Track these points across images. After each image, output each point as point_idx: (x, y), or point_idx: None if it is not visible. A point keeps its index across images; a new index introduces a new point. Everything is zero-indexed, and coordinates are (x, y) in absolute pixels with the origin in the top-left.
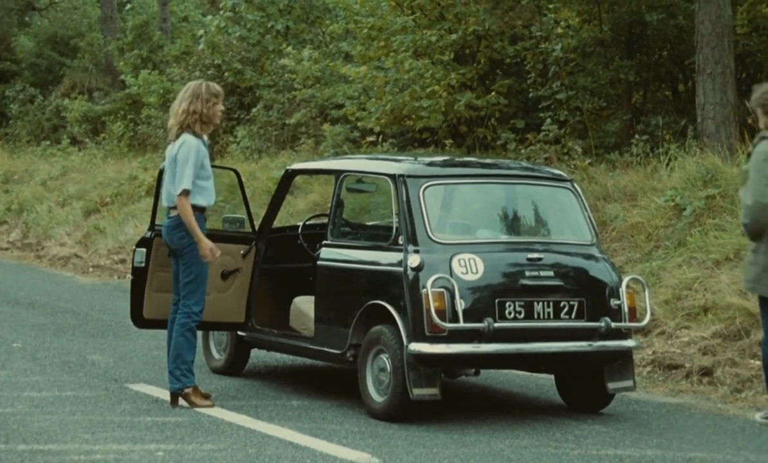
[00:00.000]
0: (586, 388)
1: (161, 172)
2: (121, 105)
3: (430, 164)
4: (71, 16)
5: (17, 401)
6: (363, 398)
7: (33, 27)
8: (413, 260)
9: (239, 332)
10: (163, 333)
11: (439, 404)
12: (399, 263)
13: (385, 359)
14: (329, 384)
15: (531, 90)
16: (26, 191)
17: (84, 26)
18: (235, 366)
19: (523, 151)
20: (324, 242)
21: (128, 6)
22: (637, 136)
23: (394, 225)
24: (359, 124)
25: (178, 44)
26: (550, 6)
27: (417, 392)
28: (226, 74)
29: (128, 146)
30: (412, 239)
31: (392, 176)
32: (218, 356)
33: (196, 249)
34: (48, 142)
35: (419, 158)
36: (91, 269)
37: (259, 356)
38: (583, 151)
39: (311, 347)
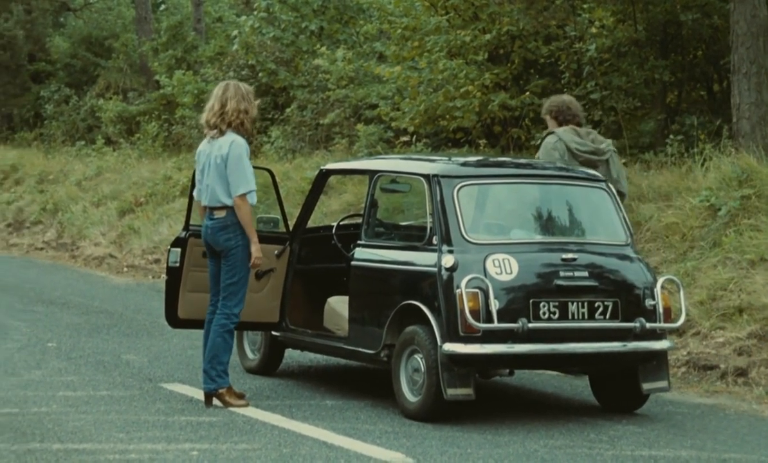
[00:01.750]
0: (621, 388)
1: (195, 174)
2: (156, 105)
3: (464, 164)
4: (106, 17)
5: (52, 401)
6: (397, 398)
7: (68, 28)
8: (447, 260)
9: (273, 332)
10: (197, 333)
11: (473, 404)
12: (433, 263)
13: (419, 359)
14: (363, 384)
15: (565, 90)
16: (61, 191)
17: (119, 27)
18: (269, 366)
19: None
20: (358, 242)
21: (162, 6)
22: (671, 136)
23: (428, 225)
24: (393, 124)
25: (212, 45)
26: (585, 6)
27: (451, 392)
28: (260, 75)
29: (162, 146)
30: (446, 239)
31: (426, 176)
32: (252, 356)
33: (242, 251)
34: (83, 143)
35: (453, 158)
36: (125, 269)
37: (292, 356)
38: (617, 151)
39: (345, 347)
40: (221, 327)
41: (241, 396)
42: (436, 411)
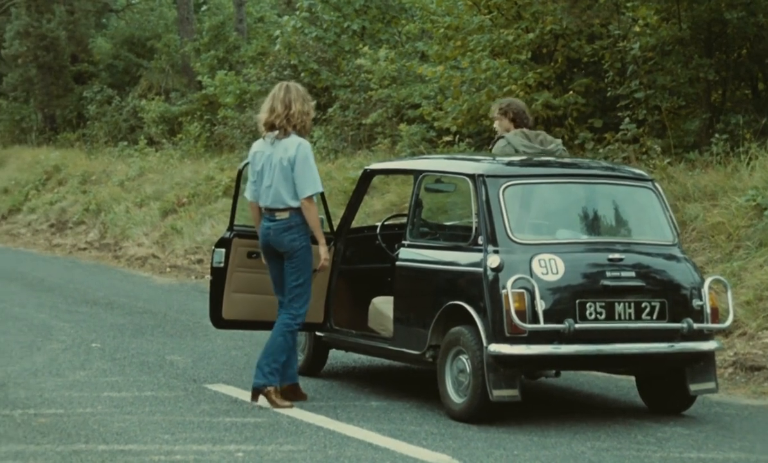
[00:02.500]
0: (668, 390)
1: (240, 173)
2: (198, 106)
3: (510, 164)
4: (148, 18)
5: (97, 402)
6: (442, 399)
7: (110, 29)
8: (493, 261)
9: (318, 333)
10: (240, 333)
11: (518, 405)
12: (479, 264)
13: (464, 360)
14: (407, 385)
15: (609, 89)
16: (104, 192)
17: (161, 28)
18: (313, 367)
19: (601, 150)
20: (403, 242)
21: (204, 7)
22: (717, 135)
23: (474, 225)
24: (436, 124)
25: (254, 45)
26: (628, 4)
27: (497, 393)
28: (302, 75)
29: (204, 147)
30: (492, 239)
31: (471, 176)
32: (302, 357)
33: (307, 252)
34: (125, 143)
35: (498, 158)
36: (168, 269)
37: (336, 357)
38: (662, 150)
39: (390, 347)
40: (285, 326)
41: (302, 395)
42: (481, 412)
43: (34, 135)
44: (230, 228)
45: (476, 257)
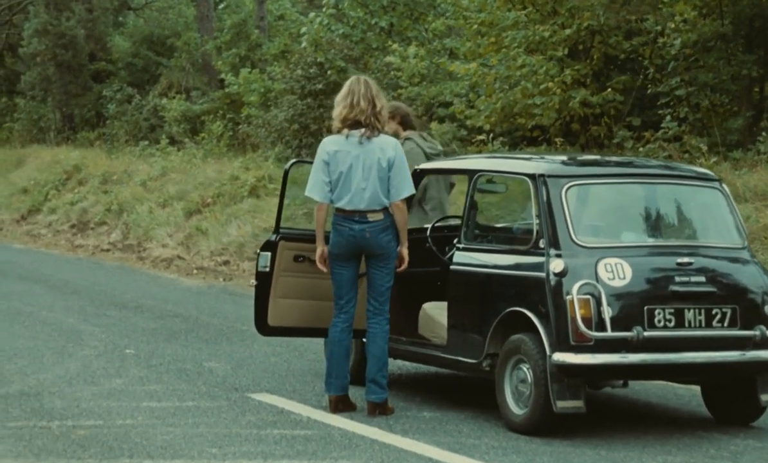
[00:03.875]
0: (736, 400)
1: (287, 173)
2: (219, 104)
3: (570, 163)
4: (167, 16)
5: (137, 412)
6: (501, 410)
7: (128, 27)
8: (556, 265)
9: (365, 340)
10: (278, 339)
11: (582, 417)
12: (541, 268)
13: (525, 369)
14: (458, 394)
15: (650, 87)
16: (125, 192)
17: (180, 25)
18: (359, 374)
19: (641, 149)
20: (457, 245)
21: (222, 5)
22: (765, 134)
23: (534, 228)
24: (468, 122)
25: (277, 43)
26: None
27: (561, 404)
28: (329, 73)
29: (227, 146)
30: (554, 243)
31: (532, 176)
32: None
33: (395, 254)
34: (146, 142)
35: (557, 157)
36: (195, 271)
37: None
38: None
39: (443, 355)
40: (387, 333)
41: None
42: (544, 424)
43: (53, 134)
44: (276, 230)
45: (538, 260)
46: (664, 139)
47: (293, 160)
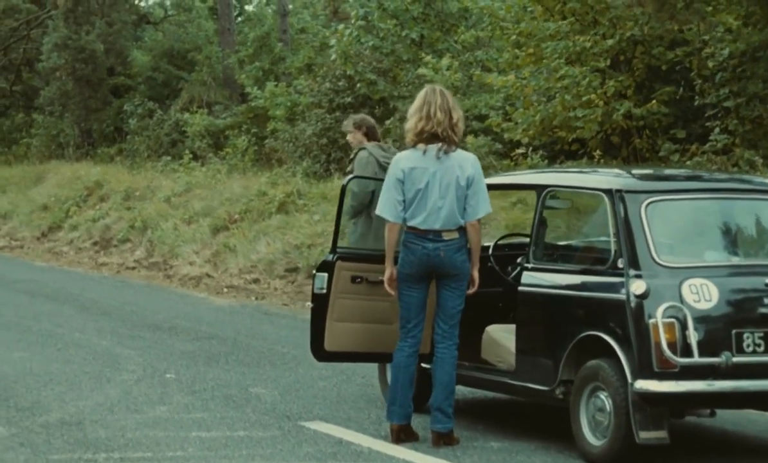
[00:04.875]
0: None
1: (344, 189)
2: (243, 119)
3: (647, 178)
4: (186, 30)
5: (187, 443)
6: (576, 441)
7: (147, 41)
8: (637, 287)
9: (423, 364)
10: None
11: (665, 449)
12: (620, 290)
13: (603, 397)
14: (525, 422)
15: (698, 98)
16: (149, 208)
17: (201, 39)
18: (416, 401)
19: (688, 163)
20: (525, 264)
21: (239, 18)
22: None
23: (612, 247)
24: (505, 135)
25: (301, 56)
26: (708, 9)
27: (644, 435)
28: (358, 86)
29: (252, 161)
30: (634, 262)
31: (608, 191)
32: None
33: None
34: (168, 158)
35: (630, 171)
36: (225, 290)
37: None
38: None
39: (511, 382)
40: (456, 358)
41: (415, 435)
42: (624, 456)
43: (72, 150)
44: (333, 250)
45: (616, 282)
46: (712, 152)
47: (351, 176)
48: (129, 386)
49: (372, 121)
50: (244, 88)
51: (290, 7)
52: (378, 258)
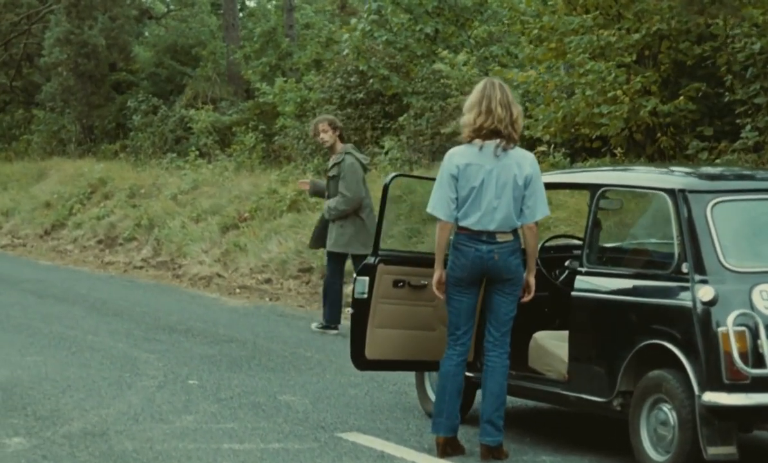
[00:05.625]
0: None
1: (387, 188)
2: (249, 115)
3: (711, 177)
4: (189, 25)
5: (219, 456)
6: (636, 456)
7: (149, 37)
8: (705, 293)
9: (466, 372)
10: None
11: None
12: (685, 296)
13: (667, 410)
14: (576, 434)
15: (728, 94)
16: (155, 206)
17: (205, 34)
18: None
19: (717, 161)
20: (579, 268)
21: (240, 14)
22: None
23: (675, 250)
24: (526, 132)
25: (308, 51)
26: (735, 2)
27: (712, 451)
28: (371, 81)
29: (260, 158)
30: (699, 267)
31: (670, 191)
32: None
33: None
34: (174, 155)
35: (690, 169)
36: (237, 290)
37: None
38: None
39: (563, 392)
40: (507, 367)
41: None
42: None
43: (73, 146)
44: (375, 253)
45: (681, 288)
46: (742, 150)
47: (393, 174)
48: (151, 392)
49: (339, 122)
50: (250, 83)
51: (295, 2)
52: (421, 261)
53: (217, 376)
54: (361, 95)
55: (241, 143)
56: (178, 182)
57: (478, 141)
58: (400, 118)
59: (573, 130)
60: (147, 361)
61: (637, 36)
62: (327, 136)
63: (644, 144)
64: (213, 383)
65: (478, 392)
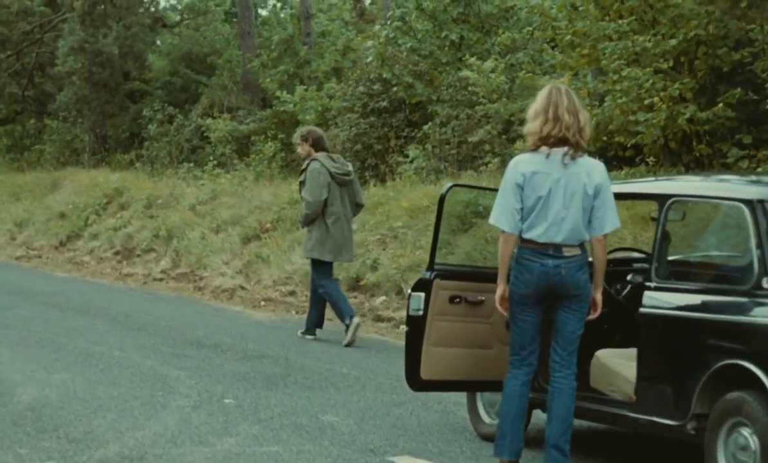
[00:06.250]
0: None
1: (443, 199)
2: (268, 124)
3: None
4: (203, 33)
5: None
6: None
7: (164, 45)
8: None
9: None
10: (392, 384)
11: None
12: (765, 313)
13: (747, 434)
14: (630, 456)
15: (767, 101)
16: (173, 217)
17: (219, 42)
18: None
19: (759, 169)
20: (647, 284)
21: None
22: None
23: (755, 264)
24: None
25: (327, 59)
26: None
27: None
28: (395, 89)
29: (280, 167)
30: None
31: (748, 202)
32: (490, 421)
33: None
34: (191, 164)
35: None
36: (262, 303)
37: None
38: None
39: (631, 414)
40: (575, 389)
41: None
42: None
43: (87, 156)
44: (430, 267)
45: (760, 303)
46: None
47: (450, 184)
48: (187, 413)
49: (319, 132)
50: (266, 92)
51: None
52: (478, 275)
53: (254, 394)
54: (384, 103)
55: (260, 152)
56: (196, 192)
57: (544, 148)
58: (425, 127)
59: (606, 138)
60: (178, 378)
61: (674, 42)
62: (300, 149)
63: (679, 152)
64: (250, 403)
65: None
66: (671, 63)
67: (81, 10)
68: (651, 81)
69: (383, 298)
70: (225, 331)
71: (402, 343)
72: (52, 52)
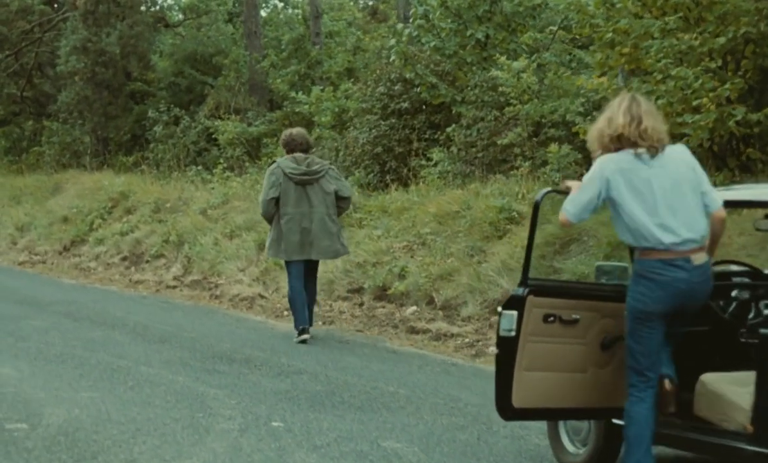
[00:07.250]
0: None
1: (537, 206)
2: (277, 126)
3: None
4: (207, 33)
5: None
6: None
7: (167, 45)
8: None
9: (614, 420)
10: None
11: None
12: None
13: None
14: None
15: None
16: (184, 221)
17: (225, 42)
18: (602, 462)
19: None
20: (763, 302)
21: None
22: None
23: None
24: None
25: (339, 59)
26: None
27: None
28: (418, 89)
29: None
30: None
31: None
32: (574, 450)
33: None
34: (198, 167)
35: None
36: (285, 313)
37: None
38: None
39: (748, 447)
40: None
41: None
42: None
43: (89, 159)
44: (523, 282)
45: None
46: None
47: (545, 190)
48: (234, 438)
49: (288, 135)
50: (274, 93)
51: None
52: (572, 292)
53: (301, 416)
54: (405, 104)
55: (272, 155)
56: (207, 196)
57: (629, 149)
58: (448, 129)
59: None
60: (216, 397)
61: (722, 40)
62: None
63: (724, 156)
64: (300, 426)
65: None
66: (719, 62)
67: (83, 8)
68: (701, 81)
69: (414, 308)
70: (252, 343)
71: (443, 357)
72: (51, 51)
